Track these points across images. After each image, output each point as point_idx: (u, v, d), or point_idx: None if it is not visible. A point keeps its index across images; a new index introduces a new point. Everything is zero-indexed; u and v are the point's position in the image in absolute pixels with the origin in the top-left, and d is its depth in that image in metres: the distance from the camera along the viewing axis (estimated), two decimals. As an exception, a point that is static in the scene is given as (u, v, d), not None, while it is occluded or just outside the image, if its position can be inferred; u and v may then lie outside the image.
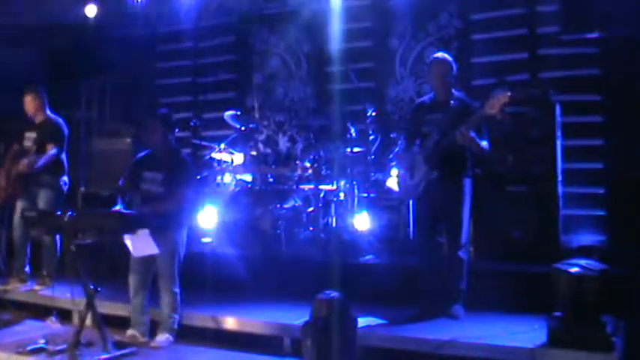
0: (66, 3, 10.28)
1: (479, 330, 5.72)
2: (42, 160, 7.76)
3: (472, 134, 5.99)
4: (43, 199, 7.81)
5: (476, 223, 7.02)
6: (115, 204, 6.40)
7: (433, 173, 6.23)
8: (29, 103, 7.98)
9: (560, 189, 7.49)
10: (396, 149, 8.04)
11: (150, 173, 6.43)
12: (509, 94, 5.78)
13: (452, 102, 6.28)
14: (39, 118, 8.00)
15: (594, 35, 8.02)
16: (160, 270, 6.32)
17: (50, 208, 7.49)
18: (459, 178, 6.27)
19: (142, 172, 6.48)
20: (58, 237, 7.77)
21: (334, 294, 5.23)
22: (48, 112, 8.06)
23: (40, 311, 7.43)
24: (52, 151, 7.80)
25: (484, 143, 6.14)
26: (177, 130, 6.65)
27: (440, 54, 6.62)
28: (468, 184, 6.32)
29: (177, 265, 6.36)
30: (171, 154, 6.54)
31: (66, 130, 8.04)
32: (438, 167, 6.20)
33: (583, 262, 5.43)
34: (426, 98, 6.73)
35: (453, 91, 6.40)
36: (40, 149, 7.81)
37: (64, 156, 8.04)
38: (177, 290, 6.36)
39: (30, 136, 7.91)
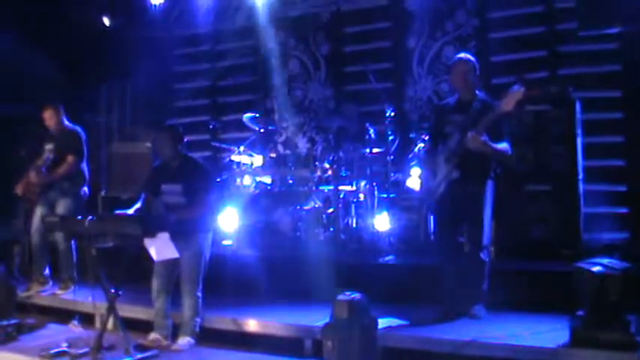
0: (85, 9, 10.39)
1: (500, 330, 5.67)
2: (61, 169, 7.80)
3: (484, 138, 5.94)
4: (62, 207, 7.82)
5: (496, 222, 6.98)
6: (127, 206, 6.41)
7: (454, 173, 6.19)
8: (50, 118, 7.98)
9: (581, 187, 7.44)
10: (416, 149, 8.05)
11: (167, 186, 6.41)
12: (522, 90, 5.75)
13: (475, 103, 6.24)
14: (57, 130, 8.00)
15: (613, 31, 7.97)
16: (183, 274, 6.32)
17: (69, 215, 7.51)
18: (480, 180, 6.21)
19: (159, 185, 6.49)
20: (73, 242, 7.80)
21: (355, 295, 5.21)
22: (65, 122, 8.08)
23: (63, 315, 7.47)
24: (71, 161, 7.83)
25: (503, 145, 6.08)
26: (185, 139, 6.61)
27: (463, 54, 6.58)
28: (489, 185, 6.25)
29: (201, 269, 6.36)
30: (186, 163, 6.51)
31: (84, 139, 8.05)
32: (459, 167, 6.17)
33: (605, 260, 5.37)
34: (450, 99, 6.67)
35: (477, 91, 6.37)
36: (60, 159, 7.84)
37: (84, 166, 8.06)
38: (199, 294, 6.35)
39: (49, 148, 7.91)
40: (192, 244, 6.27)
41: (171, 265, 6.27)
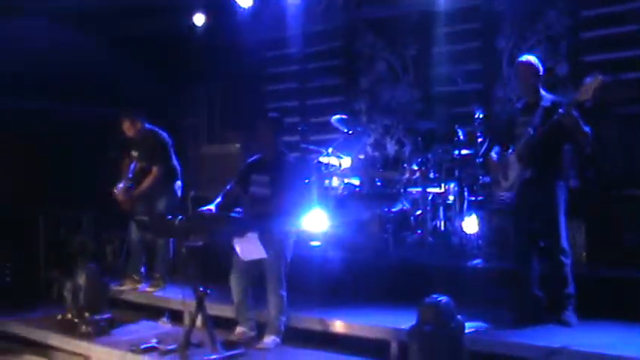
0: (175, 12, 10.59)
1: (592, 338, 5.54)
2: (146, 183, 7.94)
3: (575, 113, 5.82)
4: (160, 206, 8.00)
5: (588, 228, 6.83)
6: (210, 203, 6.47)
7: (527, 172, 6.09)
8: (128, 128, 8.05)
9: (678, 190, 7.21)
10: (482, 151, 7.93)
11: (257, 176, 6.51)
12: (600, 77, 5.61)
13: (542, 102, 6.15)
14: (140, 137, 8.08)
15: None
16: (266, 272, 6.36)
17: (167, 213, 7.61)
18: (551, 181, 6.10)
19: (250, 175, 6.58)
20: (171, 240, 7.95)
21: (441, 298, 5.15)
22: (146, 128, 8.14)
23: (153, 311, 7.64)
24: (155, 172, 7.95)
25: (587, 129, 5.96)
26: (285, 135, 6.68)
27: (524, 57, 6.47)
28: (561, 187, 6.13)
29: (283, 267, 6.38)
30: (279, 157, 6.60)
31: (169, 144, 8.14)
32: (531, 164, 6.06)
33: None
34: (518, 103, 6.61)
35: (542, 92, 6.26)
36: (148, 167, 8.00)
37: (175, 162, 8.19)
38: (284, 293, 6.39)
39: (134, 155, 8.11)
40: (275, 243, 6.28)
41: (250, 261, 6.29)
